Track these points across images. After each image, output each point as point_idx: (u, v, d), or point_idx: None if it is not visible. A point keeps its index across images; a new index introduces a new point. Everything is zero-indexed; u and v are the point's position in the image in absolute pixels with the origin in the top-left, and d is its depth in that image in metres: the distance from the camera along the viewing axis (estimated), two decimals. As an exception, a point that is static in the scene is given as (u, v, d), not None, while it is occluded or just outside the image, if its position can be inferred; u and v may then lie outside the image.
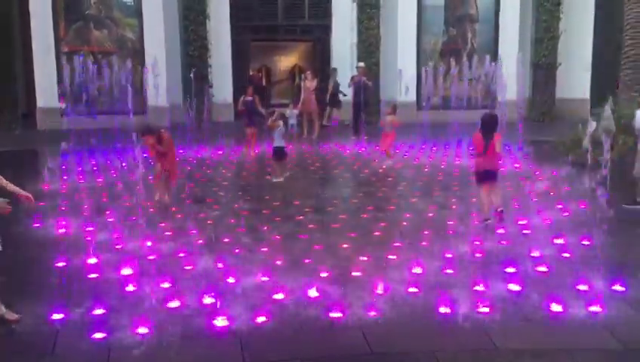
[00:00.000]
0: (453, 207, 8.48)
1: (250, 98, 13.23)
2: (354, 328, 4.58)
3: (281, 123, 10.39)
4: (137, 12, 17.40)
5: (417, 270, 5.78)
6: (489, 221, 7.33)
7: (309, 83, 15.81)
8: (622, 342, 4.43)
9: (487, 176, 7.42)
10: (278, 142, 10.31)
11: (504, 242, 6.80)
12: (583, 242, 6.71)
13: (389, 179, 10.72)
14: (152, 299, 5.06)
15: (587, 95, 18.89)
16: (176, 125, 14.86)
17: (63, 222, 7.42)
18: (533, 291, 5.27)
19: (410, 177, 10.83)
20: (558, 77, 18.47)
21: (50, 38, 16.92)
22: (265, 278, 5.53)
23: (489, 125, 7.30)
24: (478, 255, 6.33)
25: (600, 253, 5.83)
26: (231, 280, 5.51)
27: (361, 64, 16.79)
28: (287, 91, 23.98)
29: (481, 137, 7.32)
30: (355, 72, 16.58)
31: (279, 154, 10.35)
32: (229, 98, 17.90)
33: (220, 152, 13.41)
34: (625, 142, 11.54)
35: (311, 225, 7.46)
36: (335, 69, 17.91)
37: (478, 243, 6.68)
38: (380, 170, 11.39)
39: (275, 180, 10.20)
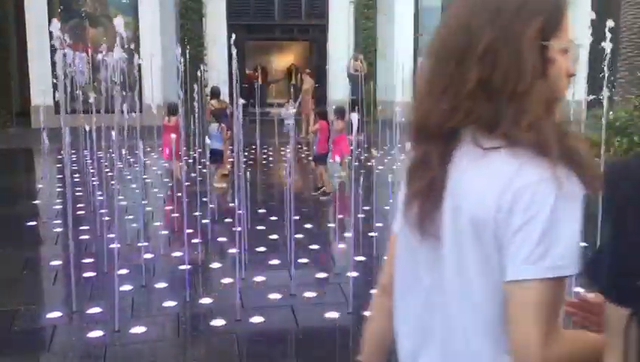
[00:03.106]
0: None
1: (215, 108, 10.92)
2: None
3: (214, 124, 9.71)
4: (133, 10, 17.34)
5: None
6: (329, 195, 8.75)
7: (306, 84, 15.76)
8: None
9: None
10: (214, 144, 9.67)
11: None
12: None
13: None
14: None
15: (582, 96, 18.91)
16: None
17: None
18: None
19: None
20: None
21: (45, 36, 16.84)
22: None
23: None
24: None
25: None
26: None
27: (361, 56, 16.25)
28: (283, 91, 23.95)
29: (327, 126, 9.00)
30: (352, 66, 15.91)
31: (215, 156, 9.72)
32: (225, 97, 17.86)
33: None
34: (620, 145, 11.60)
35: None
36: None
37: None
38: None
39: (217, 185, 9.66)
